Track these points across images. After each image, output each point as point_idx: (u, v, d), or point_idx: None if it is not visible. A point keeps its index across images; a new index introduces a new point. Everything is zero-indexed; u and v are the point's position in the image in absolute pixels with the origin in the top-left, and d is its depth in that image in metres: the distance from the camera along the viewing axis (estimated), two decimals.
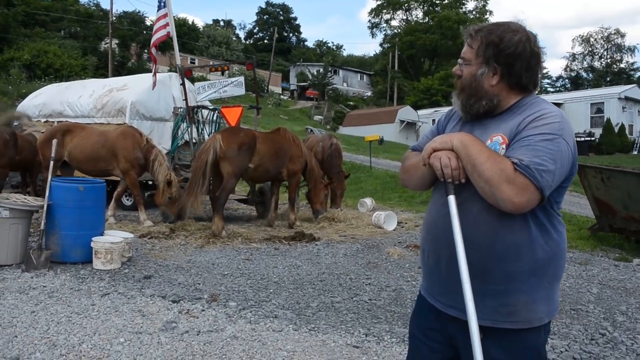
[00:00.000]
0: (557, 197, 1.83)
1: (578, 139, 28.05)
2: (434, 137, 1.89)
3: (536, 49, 1.84)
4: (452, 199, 1.76)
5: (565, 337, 4.38)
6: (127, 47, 45.94)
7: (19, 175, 12.20)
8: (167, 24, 10.05)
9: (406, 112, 42.53)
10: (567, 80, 68.34)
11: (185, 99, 9.76)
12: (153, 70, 10.32)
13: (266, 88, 52.50)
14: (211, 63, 30.64)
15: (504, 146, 1.77)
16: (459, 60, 1.92)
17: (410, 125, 42.16)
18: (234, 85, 10.12)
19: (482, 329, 1.69)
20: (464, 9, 64.61)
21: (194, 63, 46.77)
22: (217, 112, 10.38)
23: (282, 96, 55.55)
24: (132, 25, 45.76)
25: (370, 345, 4.02)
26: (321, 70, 57.85)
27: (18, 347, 3.70)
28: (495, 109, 1.87)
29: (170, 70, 32.06)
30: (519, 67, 1.82)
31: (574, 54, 67.35)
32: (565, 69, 68.68)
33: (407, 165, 2.08)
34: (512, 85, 1.85)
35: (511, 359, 1.81)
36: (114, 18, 39.35)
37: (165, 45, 32.82)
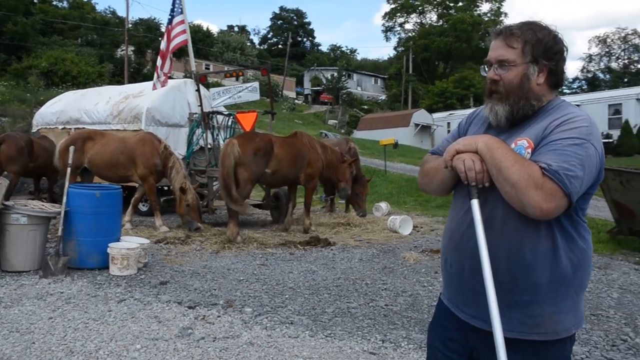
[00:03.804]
0: (583, 204, 1.77)
1: None
2: (456, 140, 1.83)
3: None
4: (475, 203, 1.71)
5: (586, 343, 4.30)
6: (143, 54, 46.34)
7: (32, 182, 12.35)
8: (185, 30, 10.10)
9: (421, 116, 42.35)
10: (583, 81, 67.55)
11: (200, 105, 9.81)
12: (165, 72, 10.14)
13: (280, 93, 52.62)
14: (226, 69, 30.83)
15: (529, 150, 1.71)
16: (494, 65, 1.82)
17: (425, 129, 41.97)
18: (248, 91, 10.13)
19: (506, 341, 1.63)
20: (478, 12, 64.28)
21: (208, 69, 47.06)
22: (232, 117, 10.41)
23: (296, 101, 55.62)
24: (148, 32, 46.14)
25: (387, 351, 3.99)
26: (335, 74, 57.90)
27: (36, 353, 3.72)
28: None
29: (185, 77, 32.31)
30: (562, 65, 1.81)
31: (590, 55, 66.59)
32: (581, 70, 67.96)
33: (427, 168, 2.01)
34: (551, 85, 1.82)
35: None
36: (130, 25, 39.76)
37: (180, 52, 33.09)
